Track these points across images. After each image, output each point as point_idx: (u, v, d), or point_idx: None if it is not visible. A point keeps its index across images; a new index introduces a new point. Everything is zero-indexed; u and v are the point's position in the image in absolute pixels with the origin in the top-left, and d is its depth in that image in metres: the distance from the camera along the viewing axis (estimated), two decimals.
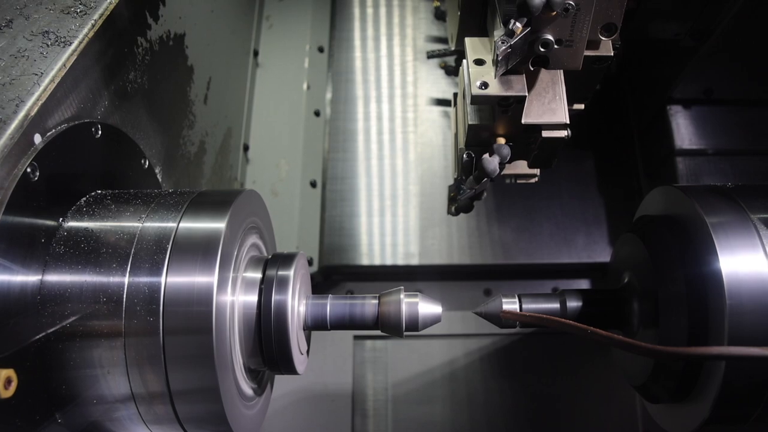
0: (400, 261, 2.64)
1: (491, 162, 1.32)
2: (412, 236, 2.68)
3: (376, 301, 1.29)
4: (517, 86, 1.29)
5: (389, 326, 1.27)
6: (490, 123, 1.36)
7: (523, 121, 1.33)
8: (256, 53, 2.82)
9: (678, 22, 2.19)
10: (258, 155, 2.69)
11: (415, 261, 2.64)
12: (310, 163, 2.72)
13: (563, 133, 1.36)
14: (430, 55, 2.86)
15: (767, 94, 2.51)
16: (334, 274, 2.70)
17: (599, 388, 2.58)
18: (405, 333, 1.27)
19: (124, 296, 1.07)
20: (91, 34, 1.26)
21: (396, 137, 2.84)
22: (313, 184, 2.69)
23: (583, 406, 2.60)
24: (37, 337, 1.05)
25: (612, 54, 1.38)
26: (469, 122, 1.38)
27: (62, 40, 1.21)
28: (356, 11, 3.09)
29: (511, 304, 1.34)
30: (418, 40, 3.02)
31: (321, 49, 2.96)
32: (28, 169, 1.04)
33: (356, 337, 2.65)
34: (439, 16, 2.99)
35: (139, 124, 1.56)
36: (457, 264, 2.66)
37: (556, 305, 1.35)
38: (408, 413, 2.59)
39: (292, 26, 2.95)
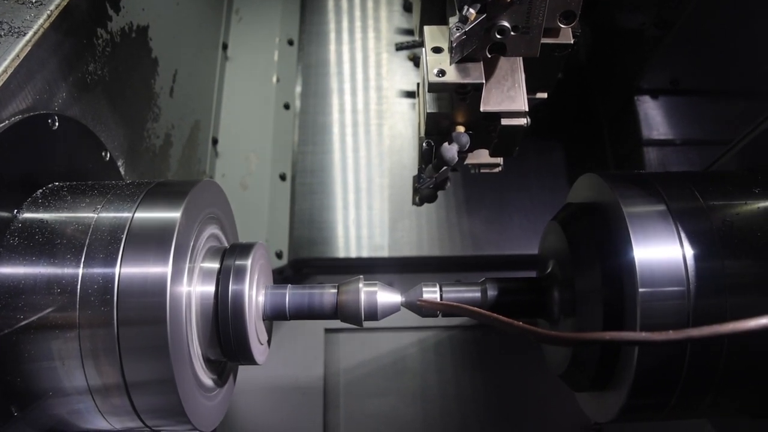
0: (370, 253, 2.65)
1: (449, 150, 1.31)
2: (382, 228, 2.68)
3: (335, 291, 1.29)
4: (475, 73, 1.29)
5: (348, 315, 1.27)
6: (449, 111, 1.36)
7: (481, 109, 1.32)
8: (225, 46, 2.80)
9: (643, 12, 2.21)
10: (227, 148, 2.68)
11: (384, 253, 2.64)
12: (279, 156, 2.72)
13: (522, 121, 1.35)
14: (399, 47, 2.86)
15: (733, 83, 2.54)
16: (305, 267, 2.70)
17: (551, 380, 2.59)
18: (365, 322, 1.28)
19: (78, 287, 1.06)
20: (46, 25, 1.25)
21: (365, 129, 2.85)
22: (283, 177, 2.69)
23: (537, 399, 2.63)
24: None
25: (572, 42, 1.38)
26: (428, 110, 1.38)
27: (16, 30, 1.20)
28: (329, 3, 3.08)
29: (431, 293, 1.32)
30: (389, 32, 3.02)
31: (291, 42, 2.95)
32: None
33: (328, 330, 2.65)
34: (408, 7, 3.00)
35: (100, 117, 1.54)
36: (427, 256, 2.67)
37: (477, 294, 1.34)
38: (367, 406, 2.61)
39: (261, 19, 2.94)
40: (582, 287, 1.25)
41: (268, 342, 1.35)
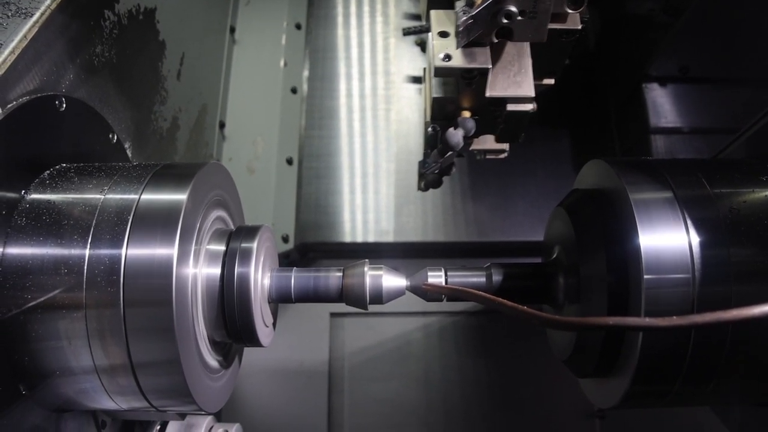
0: (376, 238, 2.65)
1: (455, 135, 1.31)
2: (388, 213, 2.68)
3: (340, 274, 1.29)
4: (481, 58, 1.28)
5: (353, 299, 1.27)
6: (455, 96, 1.36)
7: (487, 94, 1.32)
8: (232, 30, 2.80)
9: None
10: (234, 132, 2.68)
11: (390, 238, 2.64)
12: (286, 140, 2.72)
13: (529, 107, 1.35)
14: (406, 32, 2.83)
15: (743, 71, 2.51)
16: (311, 251, 2.70)
17: (554, 367, 2.60)
18: (369, 306, 1.28)
19: (85, 268, 1.07)
20: (53, 6, 1.25)
21: (372, 114, 2.84)
22: (290, 162, 2.69)
23: (537, 385, 2.64)
24: None
25: (580, 27, 1.36)
26: (434, 95, 1.37)
27: (23, 11, 1.20)
28: None
29: (436, 277, 1.32)
30: (397, 17, 3.00)
31: (298, 26, 2.94)
32: None
33: (333, 314, 2.66)
34: None
35: (108, 99, 1.55)
36: (432, 241, 2.67)
37: (482, 279, 1.34)
38: (372, 390, 2.62)
39: (269, 3, 2.93)
40: (587, 273, 1.25)
41: (274, 324, 1.35)
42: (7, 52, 1.13)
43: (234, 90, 2.74)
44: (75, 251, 1.08)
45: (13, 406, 1.07)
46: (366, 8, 3.02)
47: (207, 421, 1.53)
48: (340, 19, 3.01)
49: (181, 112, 2.12)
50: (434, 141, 1.37)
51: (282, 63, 2.83)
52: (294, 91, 2.81)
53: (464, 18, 1.15)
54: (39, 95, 1.21)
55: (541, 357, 2.66)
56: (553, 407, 2.64)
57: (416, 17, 2.97)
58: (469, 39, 1.24)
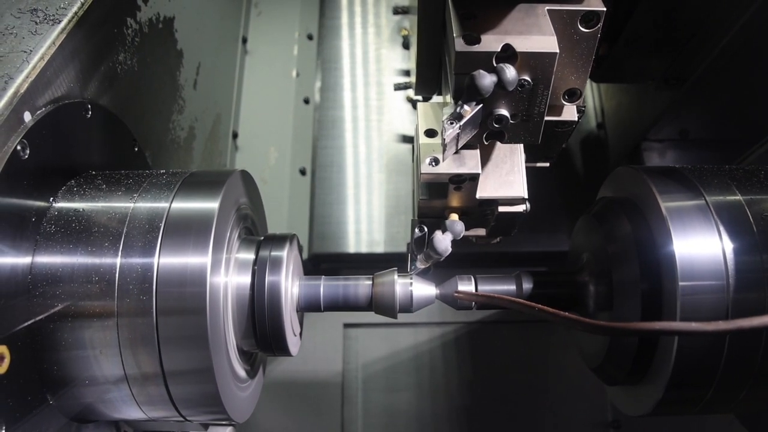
0: (393, 248, 2.63)
1: (442, 241, 1.21)
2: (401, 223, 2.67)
3: (369, 282, 1.28)
4: (471, 162, 1.18)
5: (383, 307, 1.26)
6: (443, 199, 1.27)
7: (477, 196, 1.24)
8: (245, 40, 2.80)
9: (653, 68, 2.15)
10: (247, 142, 2.68)
11: (404, 248, 2.63)
12: (299, 150, 2.71)
13: (521, 208, 1.27)
14: (397, 87, 2.79)
15: (745, 132, 2.45)
16: (324, 262, 2.69)
17: (569, 377, 2.61)
18: (399, 314, 1.27)
19: (117, 276, 1.06)
20: (80, 13, 1.24)
21: (365, 125, 2.83)
22: (303, 172, 2.68)
23: (552, 395, 2.63)
24: (29, 318, 1.04)
25: (576, 119, 1.27)
26: (420, 197, 1.28)
27: (51, 18, 1.20)
28: None
29: (466, 285, 1.31)
30: (388, 28, 3.00)
31: (310, 37, 2.94)
32: (18, 147, 1.03)
33: (347, 325, 2.65)
34: (407, 45, 2.95)
35: (129, 107, 1.54)
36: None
37: (512, 287, 1.33)
38: (385, 401, 2.61)
39: (281, 13, 2.94)
40: (619, 281, 1.24)
41: (300, 334, 1.34)
42: (36, 58, 1.12)
43: (246, 100, 2.73)
44: (106, 259, 1.07)
45: (38, 414, 1.06)
46: (379, 20, 3.02)
47: None
48: (350, 30, 3.01)
49: (197, 122, 2.11)
50: (422, 243, 1.28)
51: (294, 73, 2.82)
52: (306, 101, 2.81)
53: (450, 131, 1.06)
54: (67, 102, 1.20)
55: (556, 368, 2.65)
56: (568, 418, 2.62)
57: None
58: (456, 149, 1.16)
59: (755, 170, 1.30)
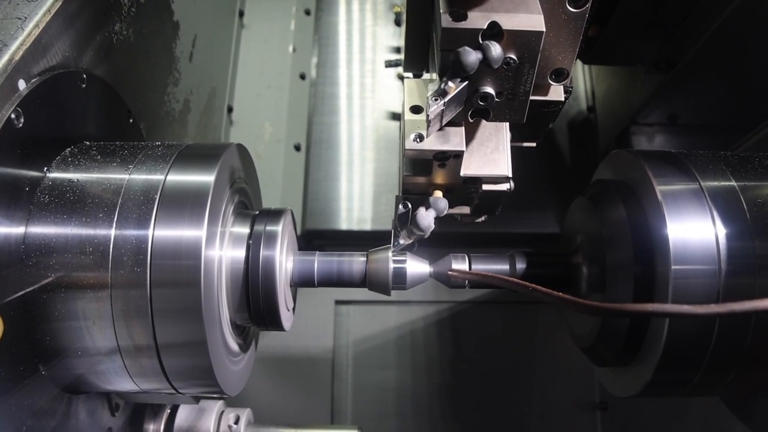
0: (381, 226, 2.63)
1: (426, 218, 1.21)
2: (390, 201, 2.66)
3: (363, 259, 1.29)
4: (455, 140, 1.18)
5: (377, 284, 1.27)
6: (427, 175, 1.28)
7: (461, 174, 1.24)
8: (241, 14, 2.77)
9: (643, 51, 2.14)
10: (242, 117, 2.66)
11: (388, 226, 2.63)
12: (294, 126, 2.70)
13: (505, 187, 1.27)
14: (388, 65, 2.76)
15: (733, 120, 2.46)
16: (317, 238, 2.69)
17: (557, 358, 2.63)
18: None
19: (111, 247, 1.05)
20: None
21: (371, 103, 2.81)
22: (297, 148, 2.67)
23: (540, 376, 2.65)
24: (22, 288, 1.03)
25: (563, 99, 1.26)
26: (404, 173, 1.28)
27: None
28: None
29: (460, 264, 1.31)
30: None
31: (308, 12, 2.91)
32: (12, 115, 1.02)
33: (338, 302, 2.65)
34: (399, 22, 2.92)
35: (125, 78, 1.52)
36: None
37: (506, 266, 1.33)
38: (375, 378, 2.62)
39: None
40: (612, 263, 1.25)
41: (293, 309, 1.34)
42: (31, 25, 1.11)
43: (242, 75, 2.71)
44: (100, 230, 1.06)
45: (30, 384, 1.06)
46: None
47: (218, 405, 1.52)
48: (347, 5, 2.97)
49: (192, 95, 2.10)
50: (405, 219, 1.27)
51: (291, 48, 2.80)
52: (303, 77, 2.79)
53: (434, 107, 1.05)
54: (62, 71, 1.18)
55: (544, 348, 2.67)
56: (554, 398, 2.64)
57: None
58: (440, 126, 1.15)
59: (750, 157, 1.30)
